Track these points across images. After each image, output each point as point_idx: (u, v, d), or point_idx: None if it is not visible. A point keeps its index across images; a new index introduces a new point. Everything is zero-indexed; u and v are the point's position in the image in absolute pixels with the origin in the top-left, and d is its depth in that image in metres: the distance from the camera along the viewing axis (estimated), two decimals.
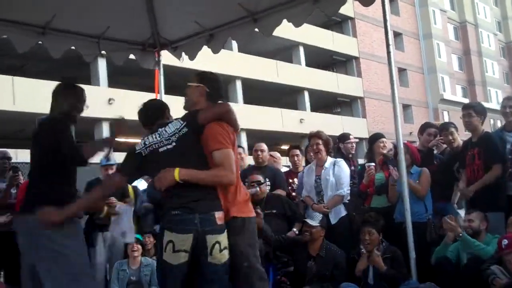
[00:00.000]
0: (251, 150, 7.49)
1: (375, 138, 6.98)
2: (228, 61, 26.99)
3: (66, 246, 3.86)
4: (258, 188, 6.34)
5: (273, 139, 27.32)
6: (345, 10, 34.97)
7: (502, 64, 57.03)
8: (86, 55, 6.57)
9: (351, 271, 5.59)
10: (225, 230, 3.70)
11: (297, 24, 5.58)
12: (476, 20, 53.77)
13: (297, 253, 5.93)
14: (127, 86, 23.86)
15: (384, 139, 6.89)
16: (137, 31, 6.67)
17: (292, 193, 7.14)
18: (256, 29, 5.98)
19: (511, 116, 6.01)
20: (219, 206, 3.73)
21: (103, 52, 6.60)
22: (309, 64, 34.94)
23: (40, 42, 5.96)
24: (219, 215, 3.68)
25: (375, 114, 37.24)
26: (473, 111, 6.01)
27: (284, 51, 33.47)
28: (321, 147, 6.42)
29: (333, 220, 6.16)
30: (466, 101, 37.09)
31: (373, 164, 6.55)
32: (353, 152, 7.71)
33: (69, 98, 4.26)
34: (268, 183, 6.69)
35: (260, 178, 6.52)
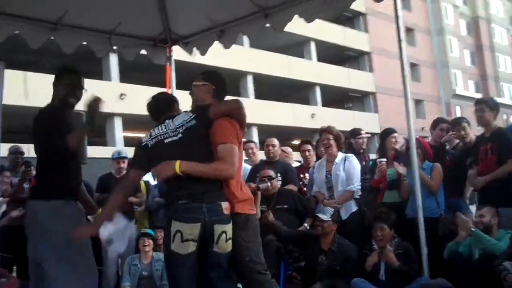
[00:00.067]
0: (263, 145, 7.49)
1: (387, 133, 6.94)
2: (239, 57, 27.00)
3: (55, 226, 3.94)
4: (269, 183, 6.34)
5: (285, 134, 27.29)
6: (356, 5, 34.81)
7: None
8: (98, 51, 6.59)
9: (362, 267, 5.58)
10: (231, 221, 3.75)
11: (309, 20, 5.56)
12: (489, 15, 53.39)
13: (309, 247, 5.92)
14: (138, 81, 23.93)
15: (396, 134, 6.86)
16: (149, 26, 6.68)
17: (304, 188, 7.13)
18: (268, 25, 5.97)
19: None
20: (225, 197, 3.77)
21: (114, 47, 6.63)
22: (320, 59, 34.88)
23: (52, 38, 5.99)
24: (225, 206, 3.72)
25: (387, 109, 37.05)
26: (485, 106, 5.97)
27: (296, 47, 33.42)
28: (332, 142, 6.40)
29: (344, 216, 6.14)
30: (478, 96, 36.79)
31: (385, 159, 6.52)
32: (364, 147, 7.68)
33: (64, 85, 4.27)
34: (280, 178, 6.68)
35: (272, 173, 6.52)
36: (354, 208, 6.24)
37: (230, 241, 3.74)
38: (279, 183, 6.65)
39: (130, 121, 23.40)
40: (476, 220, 5.39)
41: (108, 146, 22.71)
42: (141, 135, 4.14)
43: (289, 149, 8.20)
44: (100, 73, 24.73)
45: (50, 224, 3.98)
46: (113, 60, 24.40)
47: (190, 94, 4.19)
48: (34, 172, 6.89)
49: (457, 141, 6.79)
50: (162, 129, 3.86)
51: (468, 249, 5.29)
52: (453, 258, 5.30)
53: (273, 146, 7.26)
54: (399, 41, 5.35)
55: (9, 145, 7.31)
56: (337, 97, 37.05)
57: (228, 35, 6.40)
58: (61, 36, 6.03)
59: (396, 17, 5.37)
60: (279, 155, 7.43)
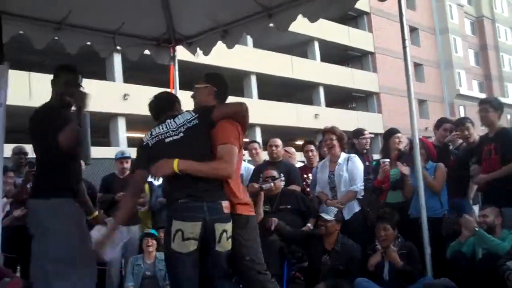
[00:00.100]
0: (266, 145, 7.49)
1: (390, 134, 6.94)
2: (243, 57, 27.03)
3: (54, 224, 3.96)
4: (272, 184, 6.35)
5: (288, 134, 27.31)
6: (360, 5, 34.77)
7: None
8: (102, 51, 6.60)
9: (366, 266, 5.57)
10: (231, 220, 3.77)
11: (313, 19, 5.55)
12: (493, 14, 53.27)
13: (312, 247, 5.92)
14: (142, 81, 23.96)
15: (399, 134, 6.85)
16: (152, 26, 6.69)
17: (307, 189, 7.13)
18: (271, 25, 5.97)
19: None
20: (225, 196, 3.79)
21: (118, 47, 6.63)
22: (324, 59, 34.84)
23: (56, 38, 6.01)
24: (225, 204, 3.74)
25: (390, 110, 37.01)
26: (489, 106, 5.96)
27: (299, 46, 33.40)
28: (335, 142, 6.40)
29: (347, 216, 6.14)
30: (482, 96, 36.72)
31: (388, 160, 6.52)
32: (368, 147, 7.67)
33: (61, 83, 4.29)
34: (283, 178, 6.68)
35: (275, 173, 6.52)
36: (357, 208, 6.24)
37: (230, 240, 3.76)
38: (282, 183, 6.64)
39: (134, 122, 23.43)
40: (479, 220, 5.38)
41: (112, 147, 22.74)
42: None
43: (292, 150, 8.19)
44: (103, 74, 24.76)
45: (50, 222, 3.99)
46: (117, 60, 24.42)
47: (192, 97, 4.21)
48: None
49: (460, 141, 6.78)
50: (162, 128, 3.87)
51: (472, 249, 5.29)
52: (457, 258, 5.30)
53: (276, 146, 7.26)
54: (403, 40, 5.34)
55: (13, 145, 7.32)
56: (341, 97, 37.02)
57: (232, 35, 6.41)
58: (65, 36, 6.05)
59: (400, 16, 5.36)
60: (283, 156, 7.43)
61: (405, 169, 6.09)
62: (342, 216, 6.03)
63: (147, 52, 6.95)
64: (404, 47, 5.32)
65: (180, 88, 7.15)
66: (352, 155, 6.52)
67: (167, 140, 3.80)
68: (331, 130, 6.50)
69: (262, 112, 26.70)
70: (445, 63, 45.08)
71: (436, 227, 5.57)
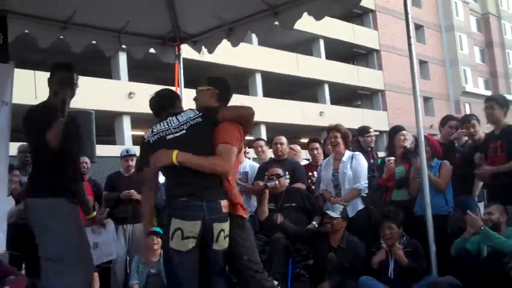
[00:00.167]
0: (271, 143, 7.49)
1: (395, 131, 6.92)
2: (248, 55, 27.03)
3: (52, 224, 3.99)
4: (277, 181, 6.36)
5: (293, 132, 27.30)
6: (366, 2, 34.77)
7: None
8: (107, 50, 6.61)
9: (370, 264, 5.57)
10: (228, 219, 3.79)
11: (318, 17, 5.55)
12: (499, 11, 53.06)
13: (317, 245, 5.92)
14: (147, 80, 23.98)
15: (404, 132, 6.84)
16: (157, 25, 6.70)
17: (312, 186, 7.13)
18: (276, 23, 5.97)
19: None
20: (223, 194, 3.81)
21: (123, 46, 6.64)
22: (329, 57, 34.81)
23: (61, 37, 6.02)
24: (224, 203, 3.76)
25: (395, 107, 36.98)
26: (495, 103, 5.94)
27: (304, 44, 33.36)
28: (339, 140, 6.40)
29: (351, 214, 6.14)
30: (488, 93, 36.62)
31: (393, 158, 6.51)
32: (373, 145, 7.66)
33: (57, 82, 4.31)
34: (288, 176, 6.68)
35: (280, 171, 6.52)
36: (360, 206, 6.24)
37: (227, 238, 3.78)
38: (287, 181, 6.64)
39: (139, 120, 23.45)
40: (484, 217, 5.37)
41: (117, 145, 22.79)
42: None
43: (297, 147, 8.19)
44: (109, 72, 24.82)
45: (49, 221, 4.02)
46: (122, 59, 24.47)
47: (194, 99, 4.25)
48: None
49: (465, 138, 6.76)
50: (164, 125, 3.88)
51: (477, 246, 5.27)
52: (462, 256, 5.29)
53: (281, 144, 7.26)
54: (409, 38, 5.33)
55: (18, 143, 7.33)
56: (346, 95, 36.98)
57: (237, 33, 6.40)
58: (70, 35, 6.06)
59: (406, 13, 5.35)
60: (288, 153, 7.43)
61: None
62: (347, 214, 6.03)
63: (152, 50, 6.95)
64: (410, 45, 5.32)
65: (185, 86, 7.15)
66: (356, 153, 6.52)
67: (168, 137, 3.81)
68: (335, 128, 6.50)
69: (267, 110, 26.71)
70: (451, 61, 44.96)
71: (441, 224, 5.57)
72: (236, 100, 4.29)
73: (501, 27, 52.78)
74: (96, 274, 6.47)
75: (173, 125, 3.85)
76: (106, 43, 6.51)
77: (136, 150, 6.67)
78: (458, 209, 5.83)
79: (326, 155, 7.25)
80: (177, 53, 7.05)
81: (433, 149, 6.13)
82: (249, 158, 7.89)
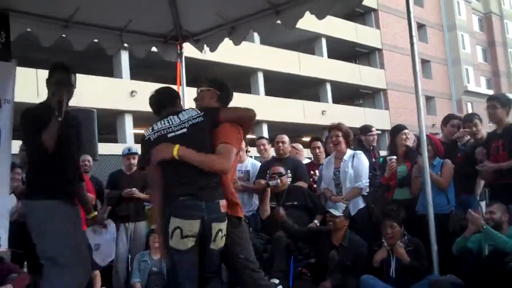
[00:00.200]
0: (273, 142, 7.49)
1: (397, 130, 6.92)
2: (250, 53, 27.03)
3: (50, 226, 3.99)
4: (279, 180, 6.37)
5: (295, 131, 27.28)
6: (368, 1, 34.76)
7: None
8: (109, 48, 6.62)
9: (371, 263, 5.57)
10: (226, 219, 3.82)
11: (320, 16, 5.54)
12: (501, 10, 52.96)
13: (319, 243, 5.92)
14: (149, 78, 23.99)
15: (406, 131, 6.84)
16: (159, 23, 6.70)
17: (314, 185, 7.13)
18: (279, 21, 5.97)
19: None
20: (222, 194, 3.83)
21: (125, 44, 6.65)
22: (331, 56, 34.77)
23: (63, 36, 6.02)
24: (222, 203, 3.78)
25: (397, 106, 36.94)
26: (497, 102, 5.94)
27: (306, 43, 33.33)
28: (341, 139, 6.40)
29: (351, 212, 6.13)
30: (490, 92, 36.58)
31: (395, 157, 6.50)
32: (375, 144, 7.66)
33: (54, 83, 4.29)
34: (290, 175, 6.68)
35: (282, 169, 6.53)
36: (361, 204, 6.25)
37: (224, 237, 3.81)
38: (289, 179, 6.65)
39: (141, 118, 23.45)
40: (486, 216, 5.37)
41: (119, 143, 22.80)
42: None
43: (299, 146, 8.19)
44: (111, 71, 24.83)
45: (45, 224, 4.01)
46: (124, 58, 24.47)
47: (194, 100, 4.29)
48: None
49: (467, 137, 6.75)
50: (165, 123, 3.90)
51: (478, 245, 5.27)
52: (463, 255, 5.29)
53: (283, 143, 7.26)
54: (411, 37, 5.32)
55: (20, 141, 7.34)
56: (348, 94, 36.95)
57: (239, 32, 6.40)
58: (72, 33, 6.06)
59: (408, 13, 5.36)
60: (290, 152, 7.43)
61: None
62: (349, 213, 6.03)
63: (154, 49, 6.96)
64: (412, 44, 5.31)
65: (187, 85, 7.15)
66: (358, 151, 6.52)
67: (170, 135, 3.83)
68: (337, 127, 6.50)
69: (269, 108, 26.70)
70: (453, 60, 44.90)
71: (443, 223, 5.57)
72: (238, 98, 4.31)
73: (504, 26, 52.67)
74: (97, 272, 6.50)
75: (175, 123, 3.87)
76: (108, 42, 6.52)
77: (138, 148, 6.68)
78: (460, 208, 5.82)
79: (328, 154, 7.25)
80: (179, 51, 7.05)
81: (435, 148, 6.13)
82: (250, 157, 7.89)
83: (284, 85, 32.18)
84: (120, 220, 7.07)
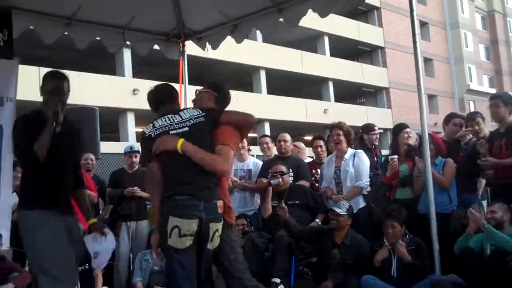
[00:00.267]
0: (275, 140, 7.48)
1: (399, 129, 6.90)
2: (252, 51, 27.01)
3: (38, 236, 3.97)
4: (280, 179, 6.35)
5: (297, 129, 27.26)
6: None
7: None
8: (111, 46, 6.62)
9: (373, 262, 5.56)
10: (222, 219, 3.86)
11: (323, 14, 5.54)
12: (505, 9, 52.86)
13: (321, 242, 5.92)
14: (151, 76, 23.97)
15: (408, 130, 6.82)
16: (162, 21, 6.70)
17: (316, 184, 7.12)
18: (281, 19, 5.96)
19: None
20: (219, 195, 3.87)
21: (127, 42, 6.65)
22: (334, 54, 34.74)
23: (66, 33, 6.02)
24: (220, 204, 3.82)
25: (400, 105, 36.89)
26: (500, 101, 5.92)
27: (309, 41, 33.29)
28: (342, 138, 6.40)
29: None
30: (493, 91, 36.54)
31: (396, 156, 6.49)
32: (377, 143, 7.65)
33: (47, 91, 4.22)
34: (291, 173, 6.67)
35: (283, 168, 6.52)
36: (362, 204, 6.25)
37: (219, 237, 3.85)
38: (291, 178, 6.64)
39: (143, 117, 23.42)
40: (488, 216, 5.36)
41: (121, 142, 22.80)
42: None
43: (302, 145, 8.18)
44: (113, 69, 24.83)
45: (35, 234, 3.98)
46: (126, 56, 24.46)
47: (192, 101, 4.34)
48: None
49: (469, 136, 6.73)
50: (166, 121, 3.91)
51: (480, 245, 5.27)
52: (465, 254, 5.29)
53: (285, 141, 7.24)
54: (413, 35, 5.32)
55: None
56: (350, 92, 36.92)
57: (241, 30, 6.40)
58: (74, 31, 6.07)
59: (411, 11, 5.35)
60: (292, 151, 7.41)
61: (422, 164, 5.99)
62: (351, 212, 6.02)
63: (156, 47, 6.96)
64: (414, 42, 5.30)
65: (189, 83, 7.16)
66: (359, 150, 6.52)
67: (171, 132, 3.85)
68: (338, 126, 6.50)
69: (271, 107, 26.70)
70: (455, 58, 44.83)
71: (445, 222, 5.56)
72: (240, 97, 4.32)
73: (507, 25, 52.58)
74: (99, 272, 6.49)
75: (176, 121, 3.89)
76: (110, 39, 6.52)
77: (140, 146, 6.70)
78: (462, 208, 5.81)
79: (330, 153, 7.24)
80: (181, 49, 7.05)
81: (437, 147, 6.11)
82: (252, 155, 7.88)
83: (286, 83, 32.17)
84: (122, 219, 7.07)
